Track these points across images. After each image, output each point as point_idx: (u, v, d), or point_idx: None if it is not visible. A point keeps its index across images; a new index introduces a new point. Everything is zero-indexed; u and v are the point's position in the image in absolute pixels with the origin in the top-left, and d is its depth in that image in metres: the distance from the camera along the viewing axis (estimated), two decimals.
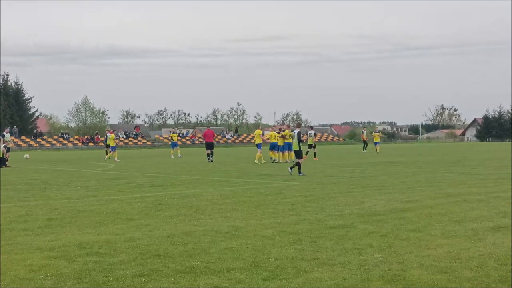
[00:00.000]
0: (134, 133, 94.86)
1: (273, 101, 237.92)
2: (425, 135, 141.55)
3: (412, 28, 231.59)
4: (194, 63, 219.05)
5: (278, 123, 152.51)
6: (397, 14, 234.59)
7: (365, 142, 49.10)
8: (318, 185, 17.30)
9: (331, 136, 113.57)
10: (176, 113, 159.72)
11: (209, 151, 34.98)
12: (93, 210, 12.02)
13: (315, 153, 34.90)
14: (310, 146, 35.02)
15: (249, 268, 6.85)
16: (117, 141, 39.63)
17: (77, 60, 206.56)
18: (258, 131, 34.23)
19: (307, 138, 33.87)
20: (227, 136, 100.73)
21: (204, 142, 36.63)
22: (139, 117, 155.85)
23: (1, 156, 30.55)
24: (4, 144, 32.41)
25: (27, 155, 28.54)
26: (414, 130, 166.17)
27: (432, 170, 23.43)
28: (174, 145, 42.55)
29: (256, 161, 31.13)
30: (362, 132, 37.10)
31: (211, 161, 34.05)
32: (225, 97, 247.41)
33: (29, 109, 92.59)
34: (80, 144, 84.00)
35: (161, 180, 19.84)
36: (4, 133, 33.35)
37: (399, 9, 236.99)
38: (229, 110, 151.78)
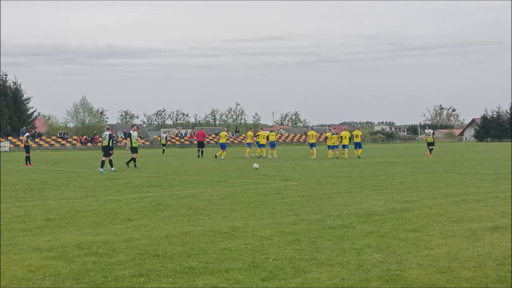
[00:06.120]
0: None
1: (272, 101, 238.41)
2: (424, 135, 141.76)
3: (412, 28, 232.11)
4: (193, 63, 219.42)
5: (277, 123, 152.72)
6: (397, 14, 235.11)
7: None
8: (317, 185, 17.30)
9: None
10: (175, 113, 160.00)
11: (200, 149, 41.20)
12: (92, 211, 12.02)
13: (431, 150, 38.16)
14: (430, 144, 38.62)
15: (248, 268, 6.85)
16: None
17: (76, 60, 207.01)
18: (250, 133, 40.79)
19: (426, 136, 38.88)
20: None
21: (197, 141, 43.24)
22: (138, 117, 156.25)
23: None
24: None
25: (256, 165, 25.93)
26: (413, 130, 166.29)
27: (430, 170, 23.45)
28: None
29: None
30: (424, 132, 39.46)
31: (202, 156, 39.93)
32: (224, 97, 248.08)
33: (28, 109, 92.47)
34: (78, 144, 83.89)
35: (159, 181, 19.82)
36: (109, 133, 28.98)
37: (399, 9, 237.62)
38: (228, 110, 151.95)
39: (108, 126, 29.04)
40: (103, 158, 25.84)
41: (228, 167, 28.27)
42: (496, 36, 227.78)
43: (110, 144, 26.18)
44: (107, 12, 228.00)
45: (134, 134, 29.64)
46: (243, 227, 9.68)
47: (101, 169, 25.12)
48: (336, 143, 37.04)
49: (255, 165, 25.68)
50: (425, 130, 41.25)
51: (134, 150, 28.89)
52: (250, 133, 41.03)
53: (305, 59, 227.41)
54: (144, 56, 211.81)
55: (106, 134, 26.45)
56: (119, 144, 75.41)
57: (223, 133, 39.23)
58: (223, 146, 38.01)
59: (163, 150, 53.57)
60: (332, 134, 38.50)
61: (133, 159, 28.46)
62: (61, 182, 19.67)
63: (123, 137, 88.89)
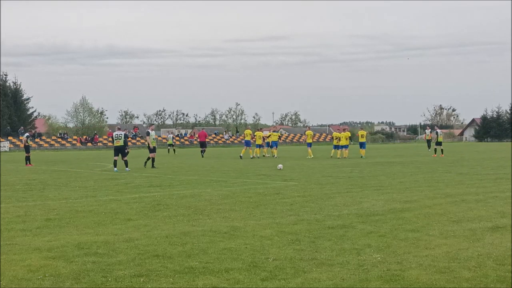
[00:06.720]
0: (132, 133, 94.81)
1: (272, 101, 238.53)
2: (424, 135, 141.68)
3: (412, 28, 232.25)
4: (193, 63, 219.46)
5: (277, 123, 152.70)
6: (397, 14, 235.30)
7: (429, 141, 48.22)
8: (317, 185, 17.30)
9: (329, 136, 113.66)
10: (175, 113, 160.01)
11: (202, 149, 42.58)
12: (92, 211, 12.02)
13: (442, 150, 38.89)
14: (438, 143, 39.35)
15: (248, 268, 6.85)
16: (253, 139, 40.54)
17: (76, 60, 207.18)
18: (249, 131, 40.77)
19: (437, 136, 39.20)
20: (225, 136, 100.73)
21: (198, 141, 44.95)
22: (138, 117, 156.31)
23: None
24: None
25: (280, 165, 25.60)
26: (413, 130, 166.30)
27: (430, 170, 23.45)
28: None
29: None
30: (425, 132, 40.50)
31: (202, 156, 41.28)
32: (224, 97, 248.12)
33: (28, 109, 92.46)
34: (78, 144, 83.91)
35: (159, 181, 19.82)
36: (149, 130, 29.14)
37: (399, 9, 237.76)
38: (228, 110, 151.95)
39: (119, 126, 28.83)
40: (124, 158, 26.00)
41: (228, 167, 28.28)
42: (496, 36, 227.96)
43: (125, 144, 26.35)
44: (107, 12, 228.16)
45: (152, 133, 29.11)
46: (243, 227, 9.68)
47: (127, 168, 25.61)
48: (342, 143, 36.96)
49: (280, 166, 25.60)
50: (426, 131, 41.80)
51: (153, 150, 28.48)
52: (259, 133, 40.96)
53: (305, 59, 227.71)
54: (144, 56, 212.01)
55: (120, 134, 26.41)
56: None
57: (248, 131, 40.84)
58: (248, 144, 39.28)
59: (174, 150, 54.45)
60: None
61: (151, 158, 28.15)
62: (61, 182, 19.67)
63: None
